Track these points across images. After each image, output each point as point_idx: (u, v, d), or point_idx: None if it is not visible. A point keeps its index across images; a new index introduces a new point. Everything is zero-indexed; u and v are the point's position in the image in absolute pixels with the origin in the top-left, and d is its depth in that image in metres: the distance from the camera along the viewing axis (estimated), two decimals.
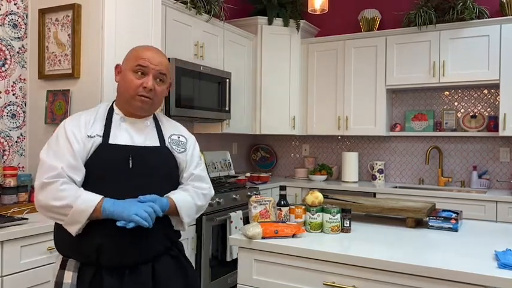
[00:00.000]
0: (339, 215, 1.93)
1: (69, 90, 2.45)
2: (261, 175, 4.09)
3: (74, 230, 1.44)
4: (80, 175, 1.48)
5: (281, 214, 1.98)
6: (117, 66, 1.67)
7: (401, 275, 1.50)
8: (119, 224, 1.41)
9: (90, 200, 1.42)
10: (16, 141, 2.60)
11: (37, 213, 2.25)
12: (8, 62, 2.57)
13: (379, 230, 2.02)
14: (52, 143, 1.52)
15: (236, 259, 1.90)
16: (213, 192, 1.75)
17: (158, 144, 1.62)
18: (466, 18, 3.62)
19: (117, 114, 1.61)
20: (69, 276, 1.49)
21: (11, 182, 2.36)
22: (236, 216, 3.24)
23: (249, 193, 3.52)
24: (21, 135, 2.62)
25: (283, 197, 2.03)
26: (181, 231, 1.69)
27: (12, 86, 2.58)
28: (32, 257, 1.98)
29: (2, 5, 2.53)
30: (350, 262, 1.59)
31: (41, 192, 1.44)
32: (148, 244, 1.53)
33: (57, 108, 2.48)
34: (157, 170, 1.58)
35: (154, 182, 1.56)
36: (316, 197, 1.96)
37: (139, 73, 1.57)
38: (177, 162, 1.65)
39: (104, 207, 1.42)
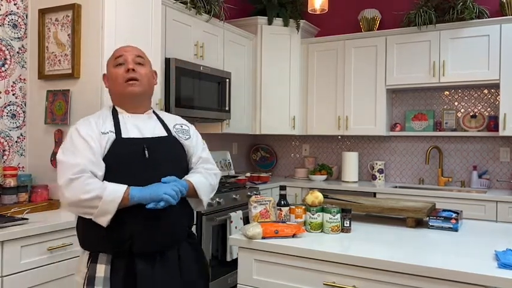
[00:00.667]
0: (339, 215, 1.93)
1: (69, 90, 2.45)
2: (261, 175, 4.09)
3: (104, 221, 1.50)
4: (101, 170, 1.55)
5: (281, 214, 1.98)
6: (103, 76, 1.80)
7: (402, 275, 1.50)
8: (148, 206, 1.51)
9: (117, 189, 1.50)
10: (16, 141, 2.60)
11: (37, 213, 2.27)
12: (8, 62, 2.57)
13: (379, 230, 2.02)
14: (67, 145, 1.59)
15: (236, 259, 1.90)
16: (220, 172, 1.89)
17: (166, 134, 1.73)
18: (466, 18, 3.62)
19: (121, 113, 1.71)
20: (101, 270, 1.55)
21: (11, 182, 2.36)
22: (236, 216, 3.24)
23: (249, 193, 3.52)
24: (21, 135, 2.62)
25: (283, 197, 2.03)
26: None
27: (12, 86, 2.58)
28: (32, 257, 1.98)
29: (1, 5, 2.53)
30: (350, 262, 1.59)
31: (68, 188, 1.50)
32: (174, 227, 1.64)
33: (57, 108, 2.48)
34: (169, 157, 1.69)
35: (168, 169, 1.64)
36: (316, 197, 1.96)
37: (119, 64, 1.69)
38: (184, 149, 1.77)
39: (132, 194, 1.51)
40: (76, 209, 1.55)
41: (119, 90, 1.69)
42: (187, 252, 1.70)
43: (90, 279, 1.55)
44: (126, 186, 1.52)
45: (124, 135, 1.63)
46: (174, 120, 1.83)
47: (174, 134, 1.75)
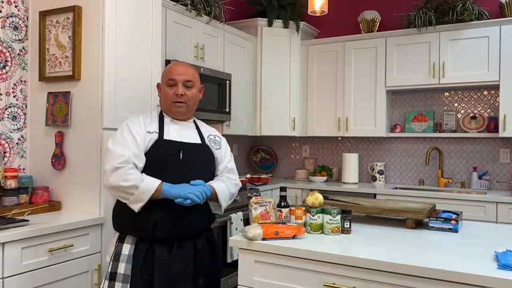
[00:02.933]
0: (339, 216, 1.93)
1: (69, 92, 2.46)
2: (262, 176, 4.09)
3: (137, 207, 1.75)
4: (141, 162, 1.82)
5: (281, 215, 1.99)
6: (158, 85, 2.04)
7: (402, 276, 1.51)
8: (177, 200, 1.73)
9: (152, 182, 1.75)
10: (17, 143, 2.60)
11: (38, 214, 2.27)
12: (9, 64, 2.57)
13: (379, 231, 2.02)
14: (117, 137, 1.84)
15: (236, 260, 1.91)
16: (241, 184, 2.11)
17: (200, 142, 1.98)
18: (466, 19, 3.63)
19: (167, 118, 1.98)
20: (127, 248, 1.81)
21: (12, 184, 2.36)
22: (236, 217, 3.24)
23: (249, 194, 3.52)
24: (21, 137, 2.63)
25: (283, 198, 2.03)
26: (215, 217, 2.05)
27: (13, 88, 2.59)
28: (32, 258, 1.98)
29: (2, 7, 2.54)
30: (350, 263, 1.59)
31: (113, 174, 1.76)
32: (193, 221, 1.86)
33: (58, 110, 2.48)
34: (200, 161, 1.94)
35: (198, 171, 1.89)
36: (317, 198, 1.97)
37: (171, 85, 1.93)
38: (214, 157, 2.02)
39: (163, 189, 1.75)
40: (116, 193, 1.78)
41: (167, 106, 1.95)
42: (203, 245, 1.92)
43: (117, 255, 1.81)
44: (160, 181, 1.76)
45: (165, 137, 1.89)
46: (209, 131, 2.08)
47: (207, 142, 2.00)
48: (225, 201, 1.95)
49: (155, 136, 1.87)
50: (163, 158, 1.85)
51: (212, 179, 1.97)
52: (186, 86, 1.94)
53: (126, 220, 1.83)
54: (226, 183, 1.97)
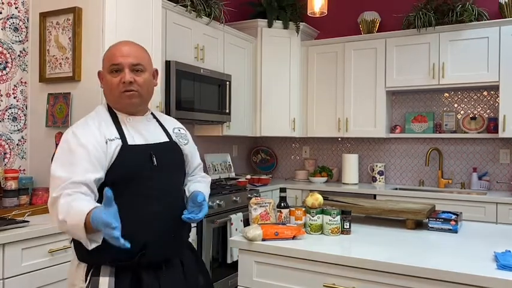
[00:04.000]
0: (339, 217, 1.94)
1: (69, 93, 2.46)
2: (262, 177, 4.10)
3: (91, 246, 1.35)
4: (96, 177, 1.42)
5: (281, 216, 1.99)
6: (99, 73, 1.65)
7: (401, 277, 1.51)
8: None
9: (80, 210, 1.30)
10: (17, 144, 2.60)
11: (38, 215, 2.27)
12: (9, 65, 2.58)
13: (379, 232, 2.02)
14: (62, 153, 1.46)
15: (236, 261, 1.91)
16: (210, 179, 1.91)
17: (167, 140, 1.67)
18: (466, 20, 3.63)
19: (120, 115, 1.60)
20: (105, 282, 1.45)
21: (12, 185, 2.37)
22: (236, 218, 3.25)
23: (249, 195, 3.52)
24: (22, 138, 2.63)
25: (283, 199, 2.04)
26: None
27: (13, 89, 2.59)
28: (33, 259, 1.98)
29: (3, 8, 2.55)
30: (350, 264, 1.59)
31: (51, 209, 1.39)
32: (181, 236, 1.64)
33: (58, 111, 2.49)
34: (173, 163, 1.65)
35: (174, 176, 1.64)
36: (316, 198, 1.97)
37: (115, 71, 1.55)
38: (183, 154, 1.72)
39: (93, 217, 1.27)
40: (65, 231, 1.41)
41: (114, 98, 1.57)
42: (188, 257, 1.69)
43: None
44: (90, 207, 1.31)
45: (130, 141, 1.53)
46: (172, 124, 1.76)
47: (174, 139, 1.70)
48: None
49: (119, 143, 1.50)
50: (134, 169, 1.50)
51: (184, 181, 1.74)
52: (134, 71, 1.55)
53: (98, 250, 1.37)
54: (203, 184, 1.78)
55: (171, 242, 1.56)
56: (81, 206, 1.32)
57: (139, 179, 1.51)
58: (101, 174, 1.45)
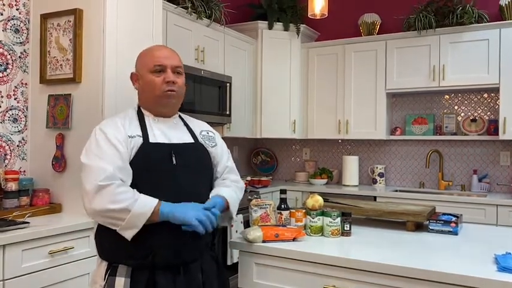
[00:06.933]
0: (339, 219, 1.93)
1: (70, 94, 2.46)
2: (262, 179, 4.09)
3: (130, 234, 1.43)
4: (129, 177, 1.49)
5: (281, 218, 1.99)
6: (132, 75, 1.72)
7: (402, 279, 1.51)
8: (184, 228, 1.46)
9: (148, 203, 1.43)
10: (18, 145, 2.61)
11: (38, 217, 2.27)
12: (10, 66, 2.58)
13: (379, 234, 2.02)
14: (93, 148, 1.51)
15: (237, 263, 1.90)
16: (244, 185, 1.89)
17: (193, 141, 1.69)
18: (466, 22, 3.63)
19: (147, 116, 1.66)
20: (120, 283, 1.47)
21: (13, 186, 2.37)
22: (237, 219, 3.24)
23: (249, 197, 3.48)
24: (22, 139, 2.63)
25: (283, 200, 2.04)
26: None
27: (14, 91, 2.60)
28: (33, 260, 1.98)
29: (4, 10, 2.55)
30: (350, 266, 1.59)
31: (97, 196, 1.42)
32: (199, 240, 1.56)
33: (59, 113, 2.49)
34: (196, 164, 1.64)
35: (195, 177, 1.62)
36: (317, 200, 1.97)
37: (158, 72, 1.62)
38: (210, 157, 1.73)
39: (161, 211, 1.44)
40: (102, 219, 1.45)
41: (154, 97, 1.62)
42: (210, 265, 1.65)
43: None
44: (157, 201, 1.44)
45: (151, 139, 1.57)
46: (200, 127, 1.78)
47: (200, 140, 1.71)
48: (235, 212, 1.72)
49: (139, 140, 1.54)
50: (152, 166, 1.53)
51: (211, 184, 1.73)
52: (175, 73, 1.64)
53: (118, 247, 1.47)
54: (234, 189, 1.74)
55: (188, 244, 1.53)
56: (148, 198, 1.44)
57: (158, 177, 1.53)
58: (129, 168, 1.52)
